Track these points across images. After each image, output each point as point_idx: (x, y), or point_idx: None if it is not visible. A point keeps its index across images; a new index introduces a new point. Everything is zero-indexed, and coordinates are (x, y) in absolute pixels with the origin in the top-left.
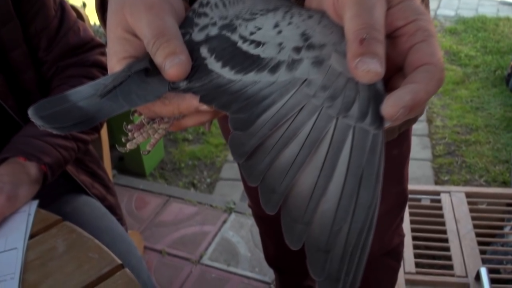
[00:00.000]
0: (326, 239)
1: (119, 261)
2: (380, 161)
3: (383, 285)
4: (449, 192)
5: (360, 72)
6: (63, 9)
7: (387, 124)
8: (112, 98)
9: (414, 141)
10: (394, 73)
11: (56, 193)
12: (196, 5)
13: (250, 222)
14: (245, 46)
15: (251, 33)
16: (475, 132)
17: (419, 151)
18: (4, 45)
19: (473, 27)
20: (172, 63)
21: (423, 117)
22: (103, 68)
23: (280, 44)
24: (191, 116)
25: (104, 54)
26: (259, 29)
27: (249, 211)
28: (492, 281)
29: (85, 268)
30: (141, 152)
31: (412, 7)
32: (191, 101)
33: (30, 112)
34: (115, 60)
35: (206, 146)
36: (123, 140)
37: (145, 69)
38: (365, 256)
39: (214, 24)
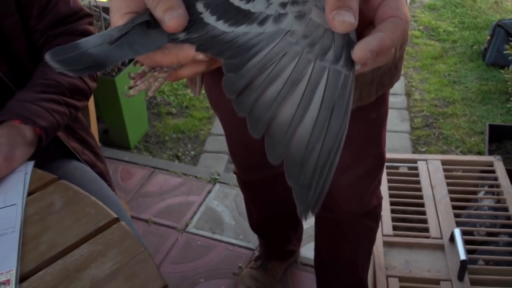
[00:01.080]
0: (301, 156)
1: (115, 215)
2: (350, 97)
3: (362, 245)
4: (425, 160)
5: (336, 23)
6: None
7: (357, 67)
8: (118, 46)
9: (393, 113)
10: (367, 27)
11: (47, 158)
12: None
13: (234, 192)
14: (236, 2)
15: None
16: (452, 105)
17: (398, 124)
18: None
19: (452, 3)
20: (171, 16)
21: (401, 90)
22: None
23: (268, 0)
24: (188, 66)
25: (91, 24)
26: None
27: (233, 181)
28: (466, 242)
29: (82, 221)
30: (143, 98)
31: None
32: (189, 51)
33: (47, 56)
34: (118, 16)
35: (189, 119)
36: (126, 87)
37: (147, 22)
38: (332, 170)
39: None
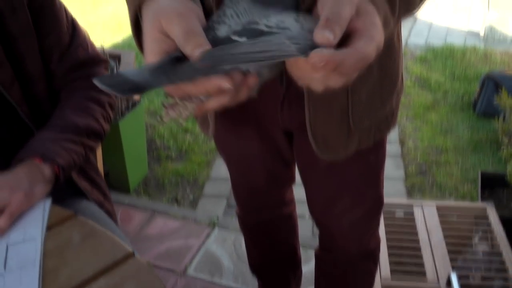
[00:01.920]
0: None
1: (131, 249)
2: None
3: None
4: (421, 205)
5: (319, 36)
6: (74, 26)
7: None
8: (155, 75)
9: (388, 161)
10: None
11: (58, 197)
12: (214, 17)
13: (233, 236)
14: (273, 30)
15: (277, 24)
16: (445, 153)
17: (393, 171)
18: (21, 56)
19: (442, 55)
20: (200, 51)
21: (395, 138)
22: None
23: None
24: (214, 98)
25: (107, 69)
26: (282, 21)
27: (233, 225)
28: (462, 286)
29: (99, 255)
30: (177, 124)
31: (372, 21)
32: (216, 81)
33: (96, 81)
34: (152, 56)
35: (189, 163)
36: (158, 118)
37: (178, 58)
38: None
39: (236, 25)
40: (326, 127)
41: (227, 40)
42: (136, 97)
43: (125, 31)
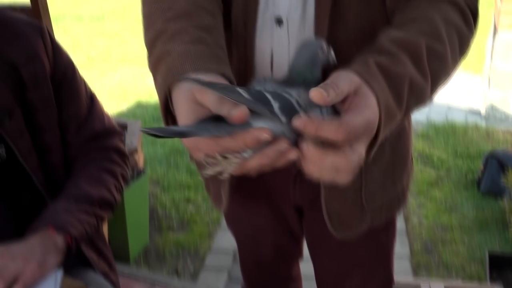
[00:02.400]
0: None
1: None
2: None
3: None
4: (429, 285)
5: (314, 93)
6: (92, 99)
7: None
8: (196, 126)
9: None
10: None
11: (64, 266)
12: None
13: None
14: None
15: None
16: (450, 231)
17: (397, 248)
18: (40, 127)
19: (444, 132)
20: (235, 110)
21: (400, 215)
22: (121, 154)
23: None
24: (255, 157)
25: (122, 141)
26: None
27: None
28: None
29: None
30: (221, 176)
31: (366, 103)
32: (254, 133)
33: (142, 130)
34: (184, 119)
35: (190, 234)
36: (203, 172)
37: (215, 118)
38: None
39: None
40: (340, 205)
41: (260, 94)
42: (140, 165)
43: (130, 99)
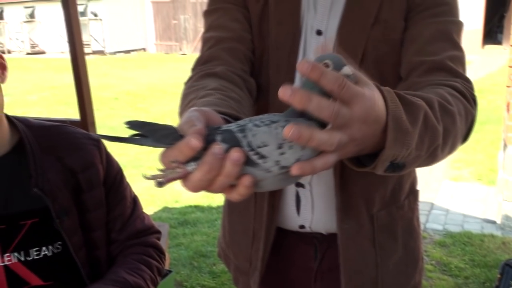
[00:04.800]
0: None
1: None
2: None
3: None
4: None
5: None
6: (135, 202)
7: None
8: (143, 138)
9: None
10: None
11: None
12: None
13: None
14: (251, 154)
15: (258, 147)
16: None
17: None
18: (91, 225)
19: (460, 241)
20: (192, 129)
21: None
22: (158, 250)
23: (278, 162)
24: (197, 167)
25: (159, 238)
26: (265, 145)
27: None
28: None
29: None
30: (158, 183)
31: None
32: (186, 140)
33: (98, 135)
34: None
35: None
36: (146, 175)
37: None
38: None
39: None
40: None
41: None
42: (166, 266)
43: (157, 204)
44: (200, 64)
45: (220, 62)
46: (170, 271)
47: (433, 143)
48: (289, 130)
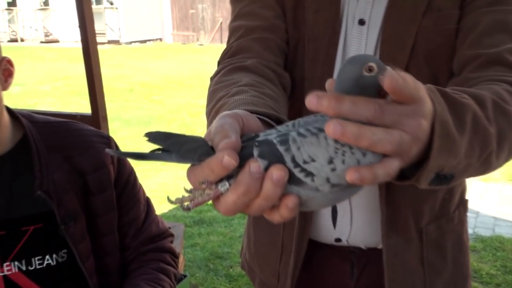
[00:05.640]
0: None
1: None
2: None
3: None
4: None
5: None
6: (149, 204)
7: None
8: (163, 153)
9: None
10: None
11: None
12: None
13: None
14: (296, 172)
15: (305, 162)
16: None
17: None
18: (100, 231)
19: (492, 246)
20: (224, 142)
21: None
22: (173, 254)
23: (328, 179)
24: (231, 188)
25: (172, 242)
26: (313, 160)
27: None
28: None
29: None
30: (181, 207)
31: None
32: (218, 157)
33: (107, 151)
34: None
35: None
36: (171, 199)
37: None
38: None
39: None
40: None
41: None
42: (181, 269)
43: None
44: (228, 57)
45: (251, 54)
46: (185, 276)
47: (486, 149)
48: (330, 126)
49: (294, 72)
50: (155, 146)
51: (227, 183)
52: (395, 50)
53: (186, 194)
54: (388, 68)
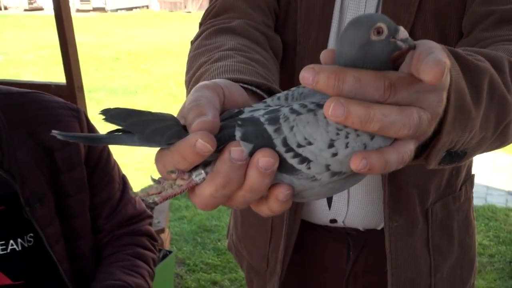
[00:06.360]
0: None
1: None
2: None
3: None
4: None
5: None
6: (125, 182)
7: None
8: (123, 135)
9: None
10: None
11: None
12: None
13: None
14: (288, 157)
15: (299, 145)
16: None
17: None
18: (71, 212)
19: (484, 216)
20: (198, 121)
21: None
22: (152, 238)
23: (328, 166)
24: (207, 178)
25: (151, 224)
26: (309, 143)
27: None
28: None
29: None
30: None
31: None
32: (189, 140)
33: (57, 133)
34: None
35: None
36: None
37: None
38: None
39: (262, 109)
40: None
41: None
42: (167, 245)
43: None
44: (211, 17)
45: (237, 14)
46: (170, 252)
47: (503, 120)
48: (329, 106)
49: (285, 34)
50: (115, 127)
51: (203, 172)
52: (400, 8)
53: (154, 185)
54: (420, 44)
